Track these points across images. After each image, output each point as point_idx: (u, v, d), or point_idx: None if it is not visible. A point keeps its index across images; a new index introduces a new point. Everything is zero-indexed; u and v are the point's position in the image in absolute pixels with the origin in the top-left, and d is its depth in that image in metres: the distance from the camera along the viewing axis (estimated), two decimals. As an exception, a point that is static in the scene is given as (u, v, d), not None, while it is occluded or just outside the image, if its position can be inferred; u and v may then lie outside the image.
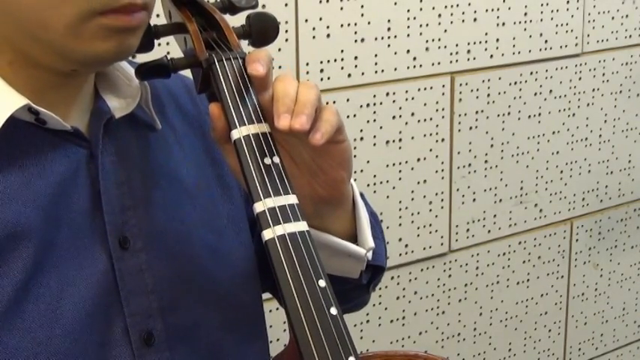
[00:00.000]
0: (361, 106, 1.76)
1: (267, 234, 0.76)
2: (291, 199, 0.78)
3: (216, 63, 0.84)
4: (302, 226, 0.77)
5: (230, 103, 0.82)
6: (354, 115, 1.75)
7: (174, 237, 0.92)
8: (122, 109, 0.90)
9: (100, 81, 0.91)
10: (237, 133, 0.80)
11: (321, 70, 1.69)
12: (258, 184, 0.78)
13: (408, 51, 1.81)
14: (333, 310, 0.74)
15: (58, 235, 0.82)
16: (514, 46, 1.97)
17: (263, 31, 0.90)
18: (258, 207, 0.77)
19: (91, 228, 0.85)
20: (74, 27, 0.77)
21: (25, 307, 0.79)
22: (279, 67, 1.63)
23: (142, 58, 0.92)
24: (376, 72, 1.77)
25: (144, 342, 0.86)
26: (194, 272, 0.93)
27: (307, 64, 1.67)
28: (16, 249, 0.79)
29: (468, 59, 1.90)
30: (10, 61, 0.81)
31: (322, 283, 0.75)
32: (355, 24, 1.72)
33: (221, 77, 0.83)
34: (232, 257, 0.98)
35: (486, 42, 1.92)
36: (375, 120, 1.79)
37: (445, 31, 1.85)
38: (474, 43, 1.90)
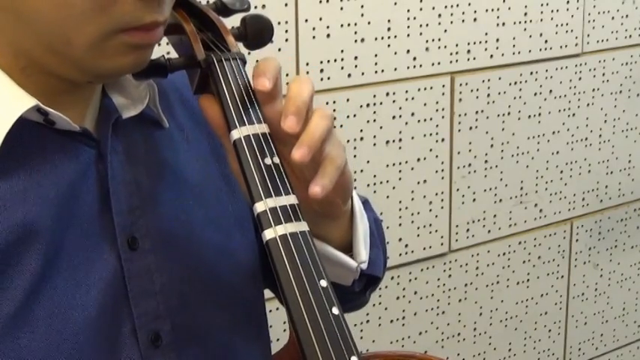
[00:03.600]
0: (361, 106, 1.76)
1: (269, 234, 0.76)
2: (292, 199, 0.78)
3: (216, 63, 0.84)
4: (303, 226, 0.77)
5: (230, 104, 0.81)
6: (354, 115, 1.75)
7: (182, 237, 0.91)
8: (130, 110, 0.90)
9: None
10: (237, 134, 0.80)
11: (321, 70, 1.69)
12: (259, 184, 0.78)
13: (408, 51, 1.81)
14: (335, 310, 0.74)
15: (68, 235, 0.82)
16: (514, 46, 1.97)
17: (258, 33, 0.91)
18: (260, 207, 0.77)
19: (100, 228, 0.84)
20: (97, 44, 0.77)
21: (35, 308, 0.78)
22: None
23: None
24: (376, 72, 1.77)
25: (151, 343, 0.86)
26: (202, 272, 0.92)
27: (307, 64, 1.67)
28: (26, 250, 0.78)
29: (468, 59, 1.90)
30: (23, 67, 0.80)
31: (324, 282, 0.75)
32: (355, 24, 1.72)
33: (221, 78, 0.83)
34: (239, 257, 0.97)
35: (486, 42, 1.92)
36: (375, 120, 1.79)
37: (445, 31, 1.85)
38: (474, 43, 1.90)
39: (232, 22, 0.93)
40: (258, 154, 0.79)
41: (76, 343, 0.80)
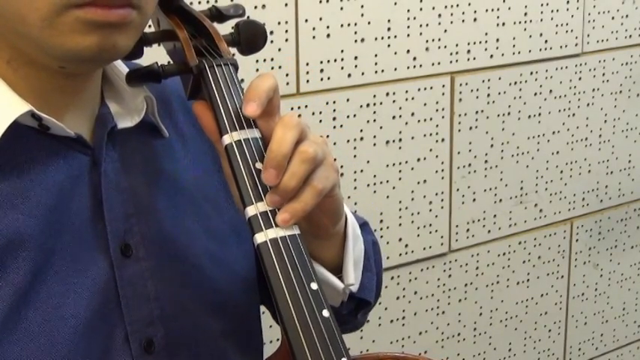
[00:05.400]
0: (361, 106, 1.76)
1: (260, 237, 0.77)
2: None
3: (207, 69, 0.84)
4: (294, 229, 0.78)
5: (221, 109, 0.82)
6: (354, 115, 1.76)
7: (177, 245, 0.91)
8: (125, 120, 0.90)
9: (106, 88, 0.91)
10: (228, 139, 0.81)
11: (321, 70, 1.69)
12: (250, 188, 0.79)
13: (408, 51, 1.81)
14: (325, 313, 0.75)
15: (59, 242, 0.81)
16: (514, 46, 1.97)
17: (252, 38, 0.91)
18: (250, 211, 0.78)
19: (93, 235, 0.84)
20: (50, 20, 0.76)
21: (25, 316, 0.78)
22: (279, 67, 1.63)
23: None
24: (376, 72, 1.77)
25: (144, 349, 0.86)
26: (196, 280, 0.92)
27: (307, 64, 1.67)
28: (16, 257, 0.78)
29: (468, 59, 1.90)
30: (7, 60, 0.81)
31: (314, 285, 0.76)
32: (355, 24, 1.72)
33: (212, 83, 0.84)
34: (234, 266, 0.97)
35: (486, 42, 1.92)
36: (375, 120, 1.79)
37: (445, 31, 1.85)
38: (474, 43, 1.90)
39: (228, 28, 0.93)
40: (249, 158, 0.80)
41: (68, 349, 0.80)
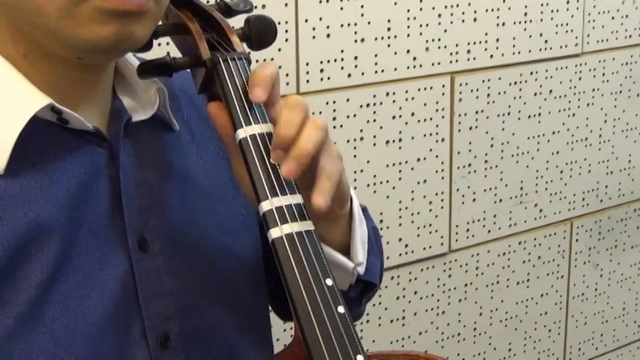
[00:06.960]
0: (361, 106, 1.76)
1: (275, 233, 0.76)
2: (298, 198, 0.78)
3: (221, 63, 0.84)
4: (308, 225, 0.77)
5: (236, 103, 0.82)
6: (354, 115, 1.75)
7: (191, 239, 0.91)
8: (139, 114, 0.90)
9: (118, 82, 0.91)
10: (242, 133, 0.80)
11: (321, 70, 1.69)
12: (265, 183, 0.78)
13: (408, 51, 1.80)
14: (341, 309, 0.74)
15: (79, 236, 0.81)
16: (514, 46, 1.97)
17: (263, 34, 0.90)
18: (266, 206, 0.77)
19: (111, 229, 0.84)
20: (68, 10, 0.75)
21: (46, 308, 0.78)
22: (279, 67, 1.63)
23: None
24: (376, 72, 1.77)
25: (160, 344, 0.86)
26: (210, 274, 0.92)
27: (307, 64, 1.67)
28: (37, 250, 0.78)
29: (468, 59, 1.90)
30: (24, 54, 0.80)
31: (329, 281, 0.75)
32: (355, 24, 1.72)
33: (226, 77, 0.83)
34: (245, 259, 0.97)
35: (486, 42, 1.92)
36: (375, 120, 1.78)
37: (445, 31, 1.85)
38: (474, 43, 1.90)
39: (234, 23, 0.93)
40: (264, 153, 0.79)
41: (87, 343, 0.80)
